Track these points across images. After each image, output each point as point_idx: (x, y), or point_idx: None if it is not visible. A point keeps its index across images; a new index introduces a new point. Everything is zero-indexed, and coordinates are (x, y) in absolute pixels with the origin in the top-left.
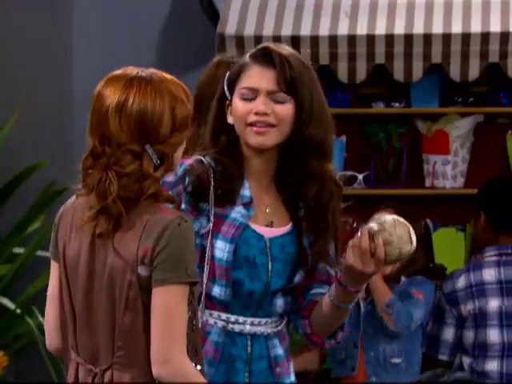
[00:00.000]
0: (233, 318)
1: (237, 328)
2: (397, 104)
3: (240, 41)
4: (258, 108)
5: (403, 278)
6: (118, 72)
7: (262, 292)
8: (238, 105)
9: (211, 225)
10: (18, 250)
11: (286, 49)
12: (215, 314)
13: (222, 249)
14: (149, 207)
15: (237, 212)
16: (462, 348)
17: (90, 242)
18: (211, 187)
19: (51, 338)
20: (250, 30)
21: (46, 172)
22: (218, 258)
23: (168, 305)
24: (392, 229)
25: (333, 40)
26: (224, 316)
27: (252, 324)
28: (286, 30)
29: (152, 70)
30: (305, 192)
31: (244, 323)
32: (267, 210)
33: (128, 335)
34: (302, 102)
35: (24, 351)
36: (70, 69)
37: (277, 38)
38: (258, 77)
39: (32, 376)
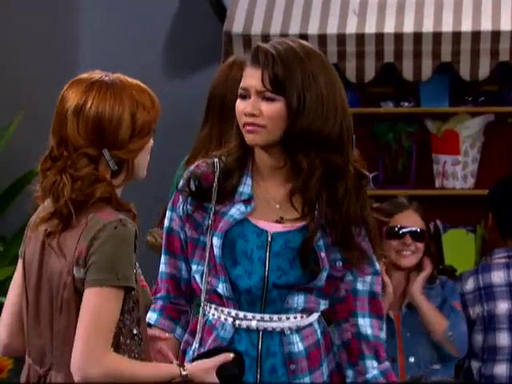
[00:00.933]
0: (241, 314)
1: (244, 324)
2: (406, 103)
3: (247, 39)
4: (246, 109)
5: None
6: (84, 75)
7: (261, 287)
8: (237, 104)
9: (210, 222)
10: None
11: (283, 43)
12: (226, 310)
13: (216, 245)
14: (95, 210)
15: (236, 209)
16: (472, 352)
17: (42, 244)
18: (214, 185)
19: (2, 337)
20: (257, 29)
21: None
22: (214, 254)
23: (95, 306)
24: None
25: (341, 38)
26: (233, 312)
27: (262, 320)
28: (294, 29)
29: (118, 75)
30: (308, 188)
31: (251, 319)
32: (277, 206)
33: (63, 337)
34: (290, 99)
35: None
36: (74, 68)
37: (284, 37)
38: (249, 77)
39: None
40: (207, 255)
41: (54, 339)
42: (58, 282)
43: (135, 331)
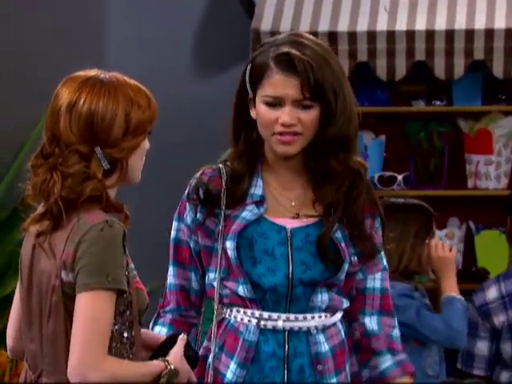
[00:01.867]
0: (266, 314)
1: (269, 325)
2: (438, 102)
3: None
4: (283, 120)
5: None
6: (79, 73)
7: (286, 284)
8: (263, 111)
9: (220, 228)
10: None
11: (307, 47)
12: (249, 312)
13: (230, 248)
14: (84, 211)
15: (248, 211)
16: (502, 362)
17: (33, 245)
18: (222, 190)
19: (8, 341)
20: (285, 26)
21: None
22: (230, 257)
23: (88, 311)
24: None
25: (371, 36)
26: (257, 313)
27: (287, 320)
28: (323, 26)
29: (114, 74)
30: (328, 187)
31: (277, 319)
32: (293, 204)
33: (52, 342)
34: (327, 104)
35: None
36: (101, 68)
37: (313, 34)
38: (282, 86)
39: None
40: (219, 261)
41: (43, 345)
42: (46, 285)
43: (126, 334)
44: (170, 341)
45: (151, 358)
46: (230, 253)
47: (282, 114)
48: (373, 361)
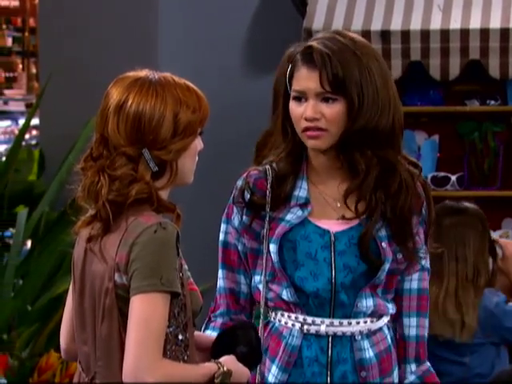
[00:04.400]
0: (309, 319)
1: (312, 329)
2: (492, 101)
3: None
4: (306, 114)
5: None
6: (130, 73)
7: (329, 289)
8: (292, 107)
9: (264, 230)
10: None
11: (333, 40)
12: (293, 316)
13: (272, 251)
14: (135, 212)
15: (292, 214)
16: None
17: (85, 248)
18: (267, 192)
19: (62, 343)
20: (338, 25)
21: None
22: (273, 260)
23: (142, 313)
24: None
25: (425, 34)
26: (301, 318)
27: (331, 325)
28: (376, 25)
29: (164, 74)
30: (364, 187)
31: (320, 324)
32: (338, 205)
33: (105, 344)
34: (350, 98)
35: None
36: (155, 67)
37: (366, 33)
38: (305, 79)
39: None
40: (264, 263)
41: (97, 348)
42: (99, 288)
43: (181, 337)
44: (228, 334)
45: (213, 356)
46: (273, 256)
47: (305, 109)
48: (402, 368)
